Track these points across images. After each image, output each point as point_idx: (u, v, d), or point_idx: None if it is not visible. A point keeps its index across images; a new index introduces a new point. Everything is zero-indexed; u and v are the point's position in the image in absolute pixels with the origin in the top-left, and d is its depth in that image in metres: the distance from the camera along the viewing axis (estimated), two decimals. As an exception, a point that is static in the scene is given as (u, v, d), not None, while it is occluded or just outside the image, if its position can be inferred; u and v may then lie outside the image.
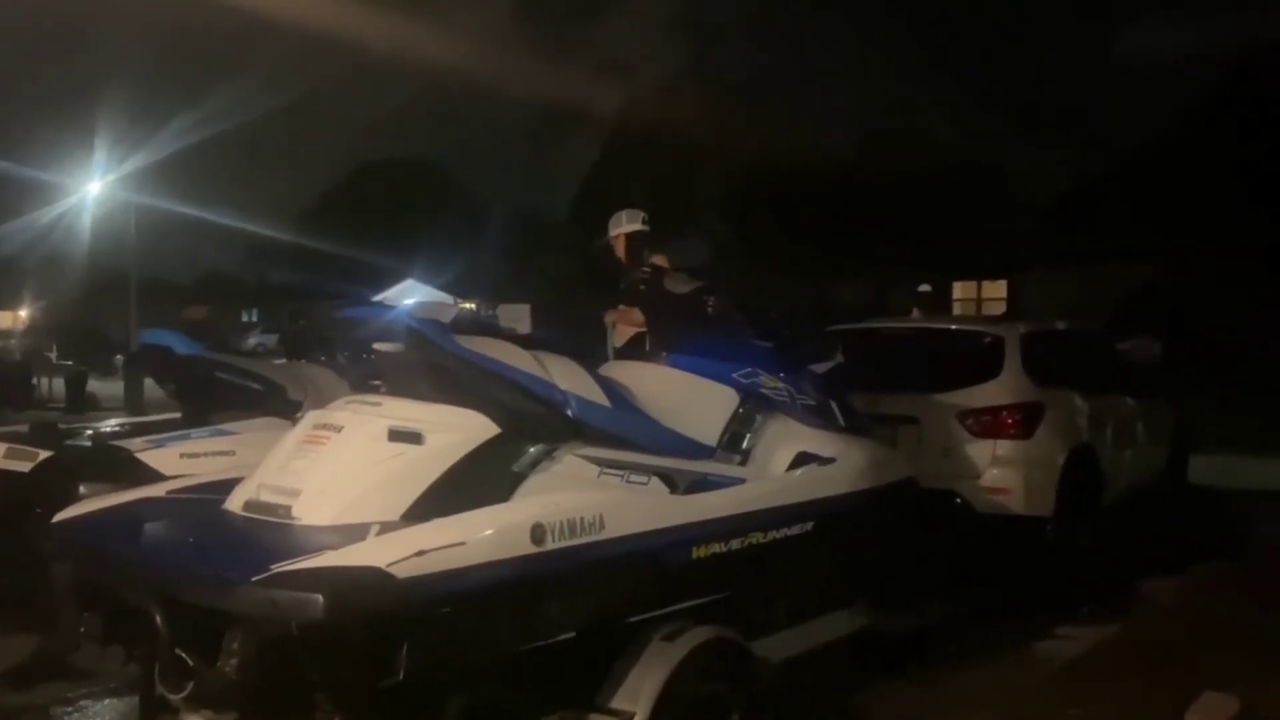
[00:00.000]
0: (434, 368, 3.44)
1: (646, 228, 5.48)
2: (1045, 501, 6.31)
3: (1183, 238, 22.91)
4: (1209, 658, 5.01)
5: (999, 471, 6.23)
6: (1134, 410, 7.64)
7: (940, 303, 22.67)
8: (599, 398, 3.72)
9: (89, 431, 5.71)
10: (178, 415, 5.78)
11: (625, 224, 5.48)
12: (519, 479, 3.41)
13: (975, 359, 6.66)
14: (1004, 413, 6.27)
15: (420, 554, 2.71)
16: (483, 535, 2.89)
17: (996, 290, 26.37)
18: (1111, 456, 7.06)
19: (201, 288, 47.70)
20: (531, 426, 3.51)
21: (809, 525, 3.98)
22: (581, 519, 3.11)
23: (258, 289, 48.33)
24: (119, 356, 19.82)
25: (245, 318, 44.58)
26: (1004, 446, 6.25)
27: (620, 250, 5.43)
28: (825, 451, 4.30)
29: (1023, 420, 6.28)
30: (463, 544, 2.81)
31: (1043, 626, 5.72)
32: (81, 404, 14.76)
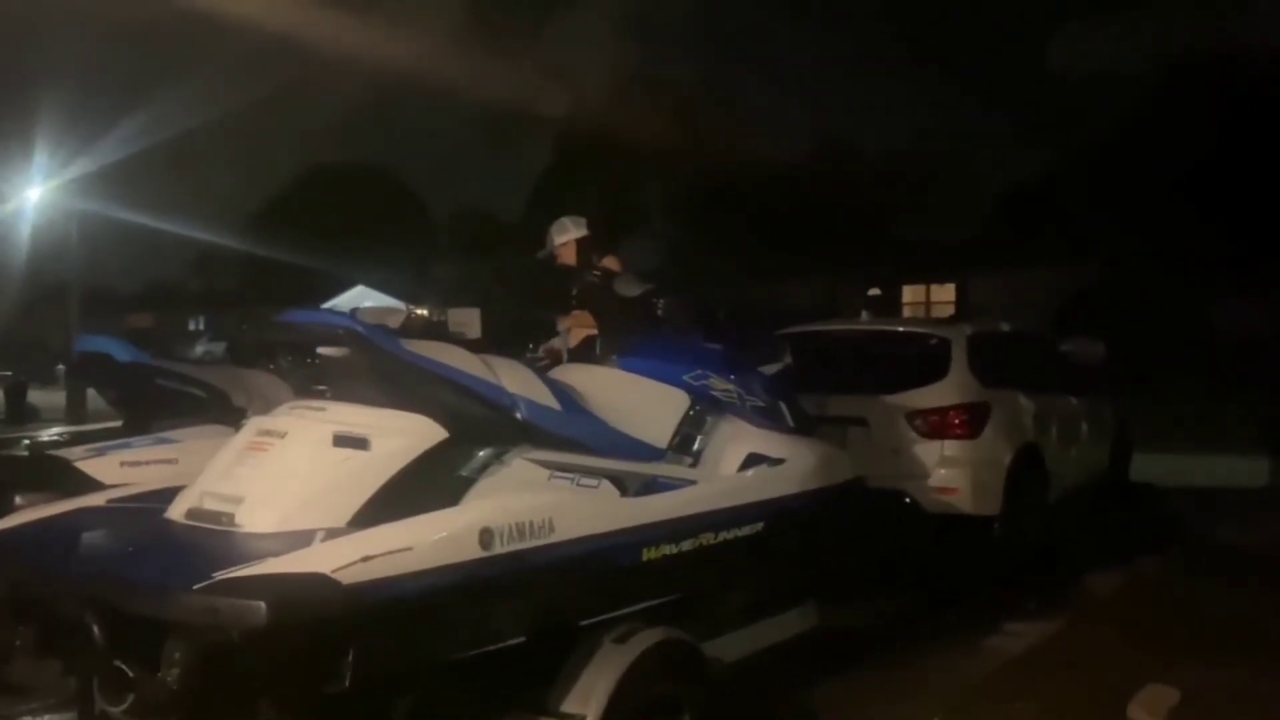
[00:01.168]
0: (379, 372, 3.40)
1: (591, 231, 5.49)
2: (992, 500, 6.41)
3: (1126, 239, 23.41)
4: (1152, 651, 5.11)
5: (947, 471, 6.32)
6: (1078, 410, 7.79)
7: (890, 306, 22.94)
8: (548, 400, 3.71)
9: (26, 441, 5.58)
10: (119, 424, 5.67)
11: (572, 229, 5.48)
12: (467, 483, 3.38)
13: (922, 361, 6.74)
14: (951, 413, 6.36)
15: (366, 559, 2.69)
16: (430, 540, 2.86)
17: (945, 293, 26.72)
18: (1056, 455, 7.18)
19: (147, 295, 46.82)
20: (480, 430, 3.48)
21: (759, 525, 4.00)
22: (530, 522, 3.10)
23: (205, 296, 47.54)
24: (60, 366, 19.39)
25: (192, 325, 43.83)
26: (951, 447, 6.34)
27: (570, 256, 5.43)
28: (775, 452, 4.32)
29: (969, 420, 6.38)
30: (409, 549, 2.79)
31: (990, 622, 5.82)
32: (22, 415, 14.40)
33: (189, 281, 50.15)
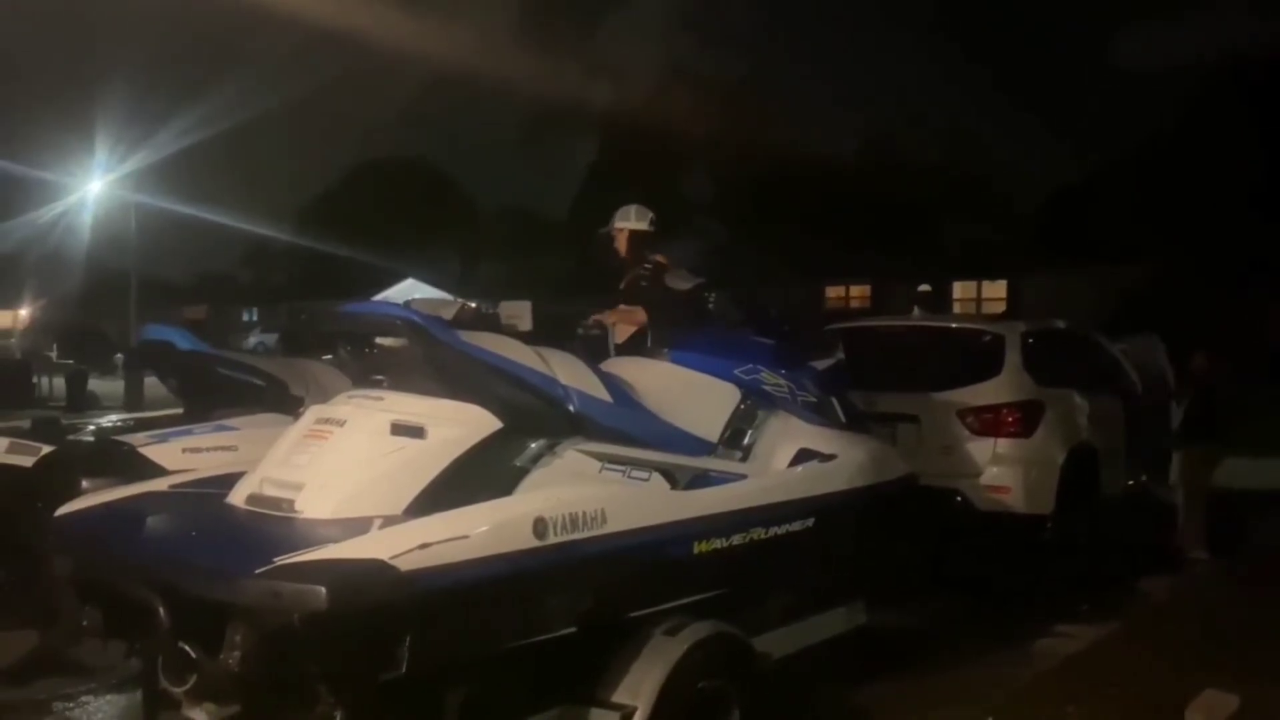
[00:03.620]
0: (436, 363, 3.44)
1: (653, 229, 5.45)
2: (1045, 500, 6.32)
3: (1179, 240, 22.94)
4: (1207, 655, 5.02)
5: (999, 470, 6.24)
6: (1131, 410, 7.63)
7: (940, 303, 22.68)
8: (601, 393, 3.73)
9: (91, 427, 5.71)
10: (179, 411, 5.79)
11: (634, 220, 5.42)
12: (521, 474, 3.41)
13: (975, 358, 6.66)
14: (1004, 411, 6.28)
15: (423, 547, 2.72)
16: (485, 529, 2.90)
17: (996, 290, 26.37)
18: (1109, 456, 7.06)
19: (201, 287, 47.67)
20: (533, 421, 3.51)
21: (809, 521, 3.99)
22: (583, 513, 3.12)
23: (257, 288, 48.31)
24: (119, 355, 19.80)
25: (245, 317, 44.54)
26: (1004, 445, 6.26)
27: (622, 244, 5.40)
28: (826, 448, 4.30)
29: (1023, 419, 6.29)
30: (466, 537, 2.83)
31: (1041, 624, 5.74)
32: (82, 403, 14.73)
33: (241, 274, 50.99)
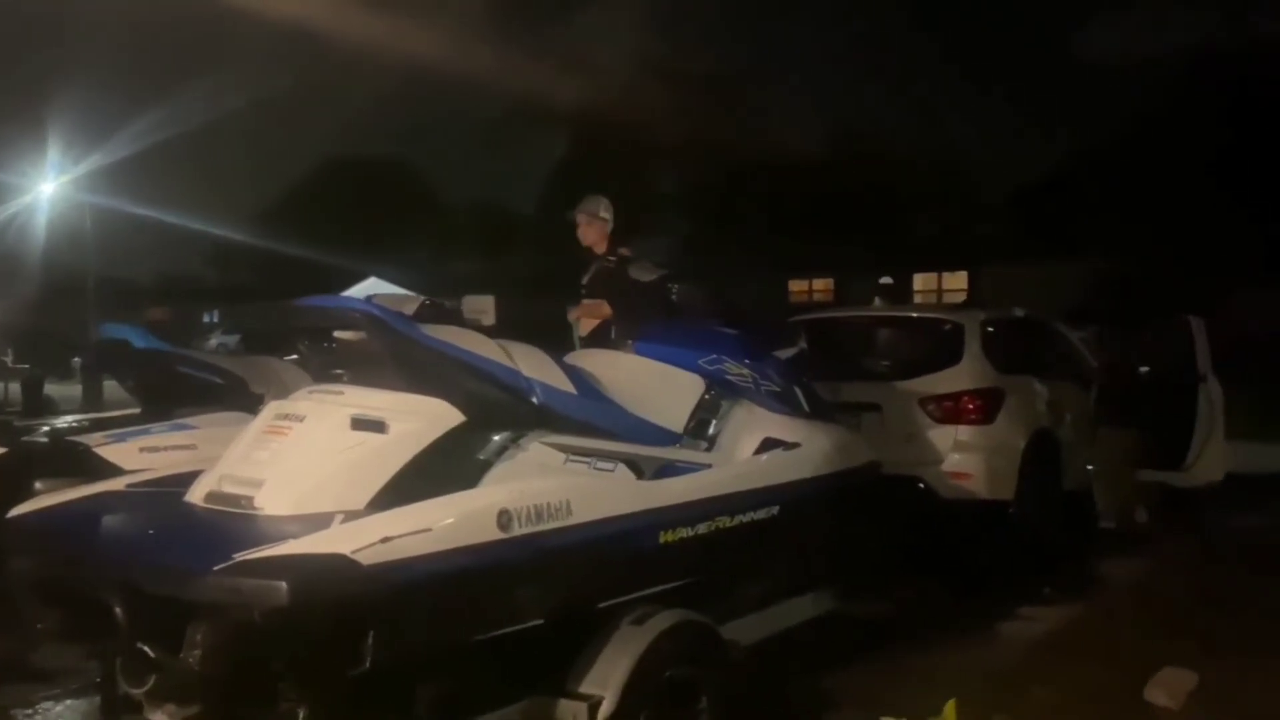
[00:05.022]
0: (396, 356, 3.41)
1: (610, 222, 5.47)
2: (1006, 486, 6.39)
3: (1140, 231, 23.29)
4: (1167, 635, 5.11)
5: (961, 457, 6.30)
6: (1089, 397, 7.74)
7: (902, 295, 22.85)
8: (565, 385, 3.72)
9: (46, 428, 5.62)
10: (136, 411, 5.71)
11: (600, 211, 5.44)
12: (485, 467, 3.40)
13: (936, 346, 6.72)
14: (965, 398, 6.33)
15: (385, 540, 2.70)
16: (448, 521, 2.88)
17: (957, 282, 26.63)
18: (1070, 441, 7.15)
19: (162, 289, 47.01)
20: (497, 414, 3.50)
21: (775, 509, 4.01)
22: (548, 504, 3.11)
23: (219, 289, 47.72)
24: (76, 359, 19.43)
25: (207, 318, 44.00)
26: (965, 432, 6.31)
27: (587, 234, 5.41)
28: (790, 437, 4.33)
29: (984, 406, 6.35)
30: (428, 530, 2.81)
31: (1007, 608, 5.81)
32: (39, 407, 14.44)
33: (203, 275, 50.34)
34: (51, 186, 24.08)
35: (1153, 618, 5.55)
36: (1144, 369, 7.87)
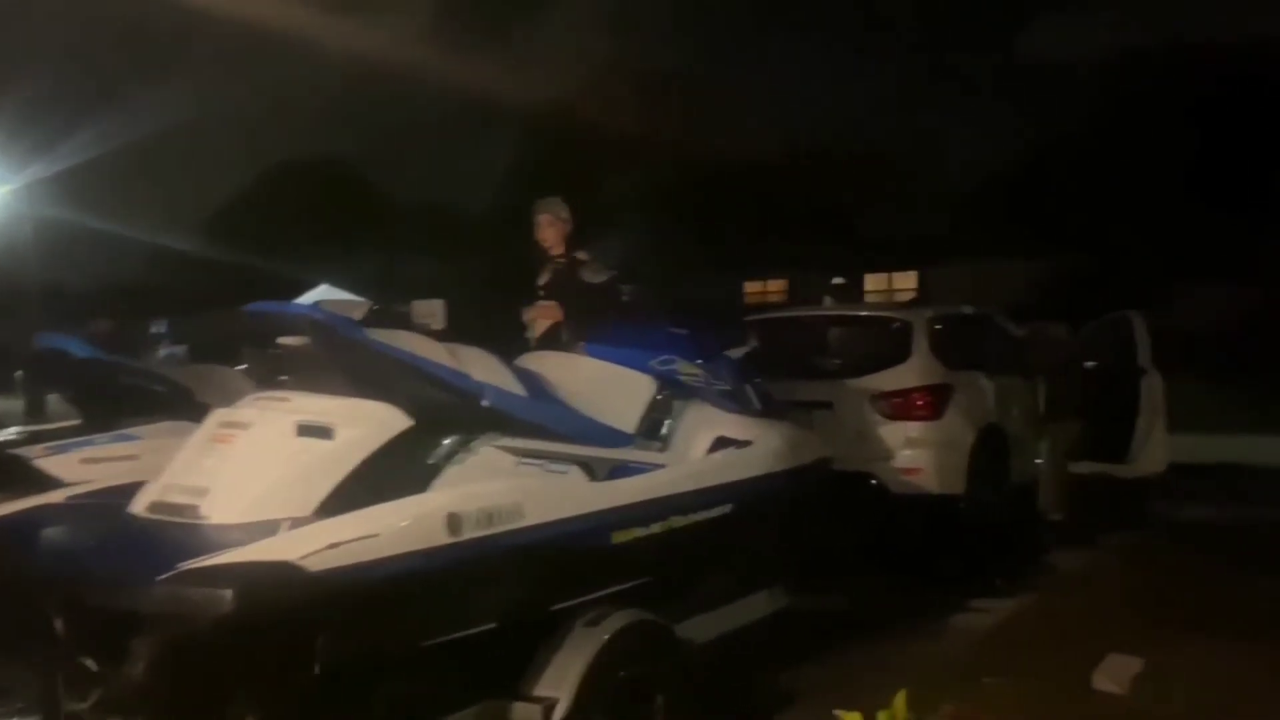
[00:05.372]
0: (342, 361, 3.38)
1: (571, 225, 5.46)
2: (956, 480, 6.48)
3: (1092, 230, 23.72)
4: (1114, 623, 5.21)
5: (911, 452, 6.37)
6: (1036, 392, 7.87)
7: (855, 295, 23.07)
8: (515, 387, 3.71)
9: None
10: (78, 423, 5.59)
11: (562, 213, 5.42)
12: (434, 471, 3.38)
13: (885, 344, 6.80)
14: (914, 395, 6.41)
15: (333, 546, 2.68)
16: (397, 526, 2.86)
17: (907, 281, 26.94)
18: (1018, 436, 7.27)
19: (108, 299, 46.08)
20: (446, 418, 3.48)
21: (728, 507, 4.03)
22: (499, 507, 3.11)
23: (167, 299, 46.85)
24: (18, 371, 19.00)
25: (154, 329, 43.18)
26: (915, 428, 6.39)
27: (550, 234, 5.37)
28: (742, 435, 4.35)
29: (932, 402, 6.44)
30: (376, 535, 2.79)
31: (959, 600, 5.89)
32: (-25, 421, 14.10)
33: (150, 284, 49.41)
34: (-4, 194, 23.50)
35: (1099, 606, 5.67)
36: (1090, 364, 8.02)
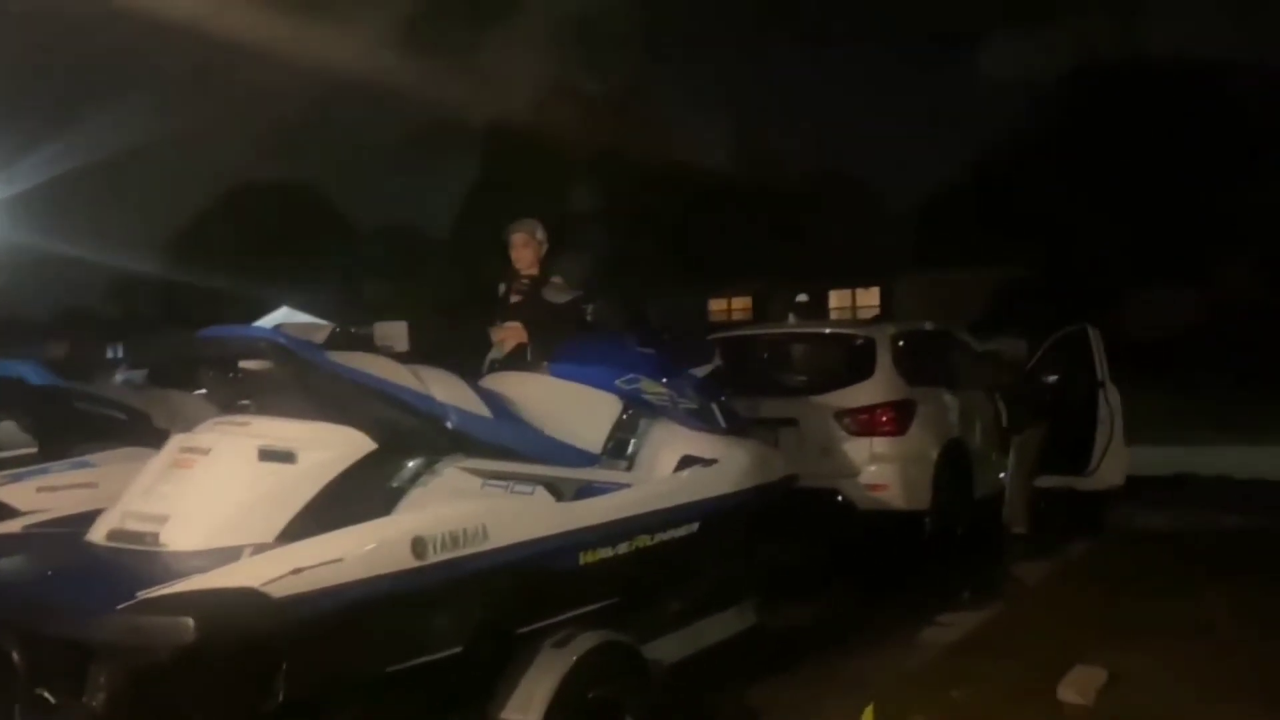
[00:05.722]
0: (304, 385, 3.35)
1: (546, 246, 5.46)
2: (921, 495, 6.54)
3: (1045, 241, 24.12)
4: (1079, 635, 5.24)
5: (876, 468, 6.43)
6: (998, 406, 7.96)
7: (819, 311, 23.26)
8: (479, 409, 3.69)
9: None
10: (33, 451, 5.48)
11: (539, 234, 5.41)
12: (399, 494, 3.36)
13: (849, 361, 6.86)
14: (878, 411, 6.47)
15: (296, 572, 2.65)
16: (361, 550, 2.84)
17: (870, 297, 27.21)
18: (980, 450, 7.35)
19: (62, 324, 45.26)
20: (410, 441, 3.46)
21: (695, 526, 4.03)
22: (464, 530, 3.09)
23: (124, 323, 46.16)
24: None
25: (111, 353, 42.51)
26: (880, 444, 6.45)
27: (526, 254, 5.35)
28: (708, 453, 4.36)
29: (896, 418, 6.50)
30: (341, 560, 2.76)
31: (924, 614, 5.92)
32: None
33: (107, 308, 48.68)
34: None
35: (1063, 618, 5.70)
36: (1051, 378, 8.12)
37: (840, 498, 6.36)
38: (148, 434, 4.96)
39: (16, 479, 4.67)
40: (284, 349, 3.26)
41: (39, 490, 4.56)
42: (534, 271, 5.29)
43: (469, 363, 5.51)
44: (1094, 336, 8.20)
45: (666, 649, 4.00)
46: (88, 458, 4.91)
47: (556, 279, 5.15)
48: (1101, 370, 8.15)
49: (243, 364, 3.42)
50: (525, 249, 5.34)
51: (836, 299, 26.74)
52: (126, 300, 46.88)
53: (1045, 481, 7.94)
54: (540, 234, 5.38)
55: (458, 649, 3.11)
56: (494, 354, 5.25)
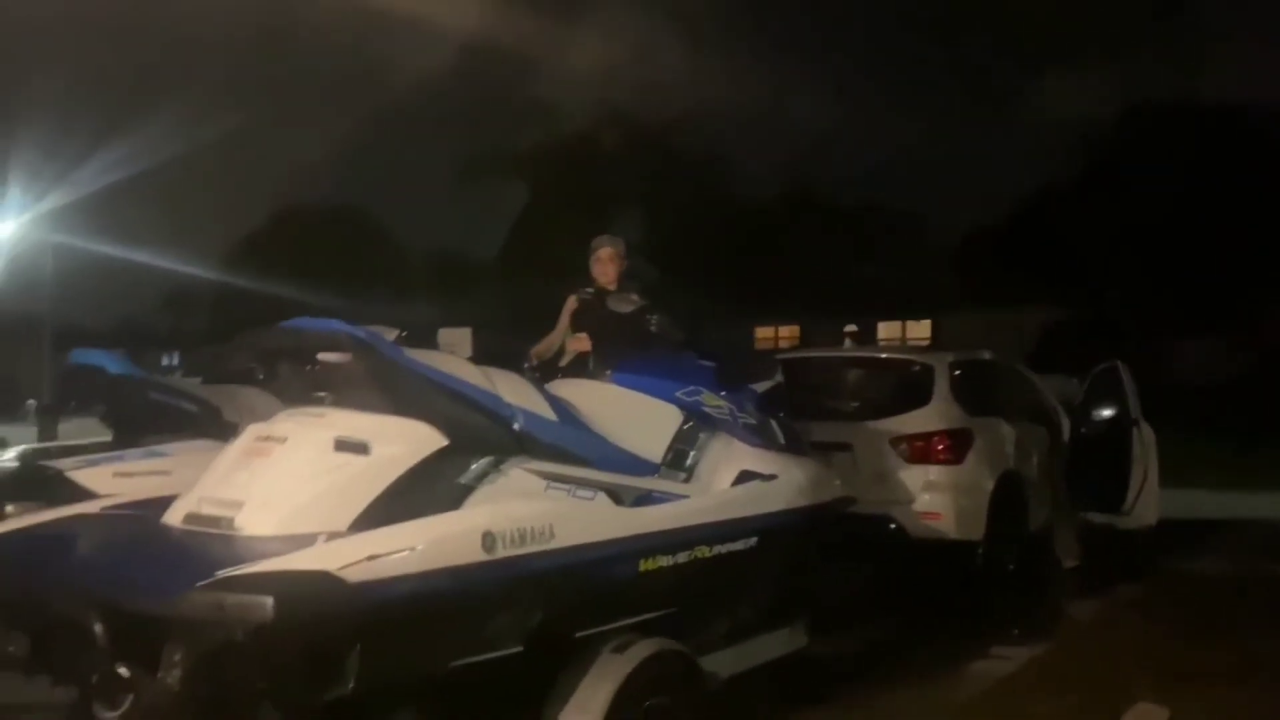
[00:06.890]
0: (379, 379, 3.41)
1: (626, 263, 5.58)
2: (976, 526, 6.46)
3: (1098, 281, 23.86)
4: (1136, 673, 5.15)
5: (931, 497, 6.37)
6: (1053, 441, 7.86)
7: (868, 341, 23.14)
8: (546, 412, 3.73)
9: (13, 453, 5.51)
10: (107, 440, 5.62)
11: (620, 250, 5.53)
12: (466, 491, 3.39)
13: (906, 387, 6.82)
14: (935, 439, 6.42)
15: (371, 558, 2.68)
16: (434, 541, 2.86)
17: (921, 330, 27.02)
18: (1035, 483, 7.25)
19: (119, 332, 46.20)
20: (478, 439, 3.50)
21: (752, 540, 4.02)
22: (532, 528, 3.11)
23: (178, 333, 47.06)
24: (31, 401, 19.06)
25: (165, 361, 43.32)
26: (935, 472, 6.39)
27: (610, 269, 5.46)
28: (766, 469, 4.35)
29: (953, 446, 6.44)
30: (414, 549, 2.79)
31: (975, 647, 5.84)
32: (-9, 443, 14.11)
33: (162, 318, 49.65)
34: (10, 226, 23.75)
35: (1117, 655, 5.60)
36: (1106, 413, 7.97)
37: (893, 524, 6.30)
38: (218, 426, 5.06)
39: (93, 464, 4.78)
40: (365, 343, 3.32)
41: (115, 475, 4.66)
42: (615, 286, 5.37)
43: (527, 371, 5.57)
44: (1125, 373, 8.06)
45: (720, 663, 3.97)
46: (162, 446, 5.02)
47: (633, 295, 5.20)
48: (1134, 407, 8.00)
49: (322, 356, 3.48)
50: (610, 264, 5.44)
51: (885, 330, 26.57)
52: (181, 311, 47.79)
53: (1090, 518, 7.83)
54: (623, 249, 5.49)
55: (518, 648, 3.12)
56: (562, 362, 5.30)
